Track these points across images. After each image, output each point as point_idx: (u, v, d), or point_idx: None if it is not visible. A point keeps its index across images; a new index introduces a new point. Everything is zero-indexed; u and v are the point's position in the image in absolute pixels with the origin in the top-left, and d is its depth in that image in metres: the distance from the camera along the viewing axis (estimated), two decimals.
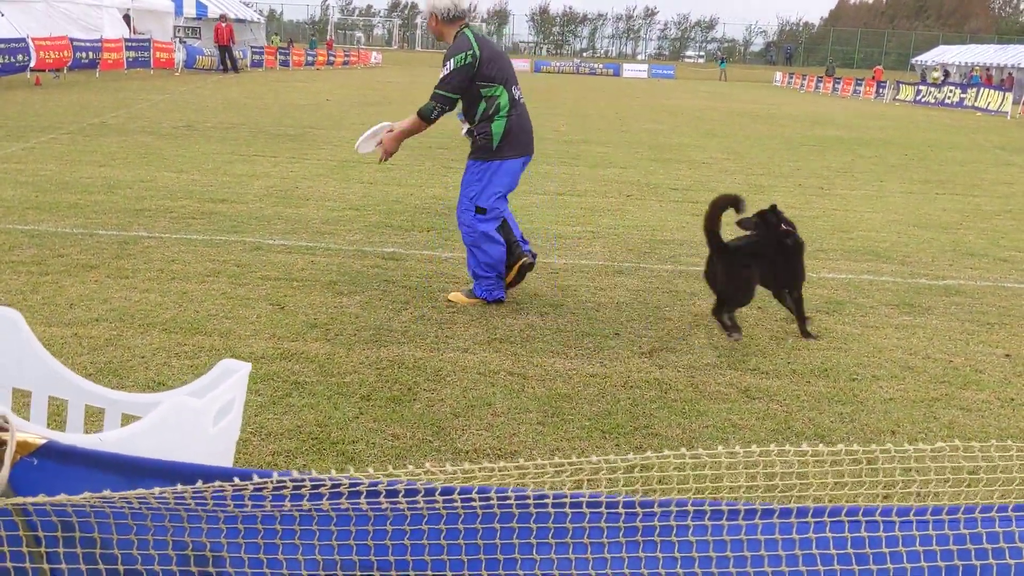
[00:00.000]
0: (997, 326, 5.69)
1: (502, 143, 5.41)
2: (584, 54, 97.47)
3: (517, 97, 5.47)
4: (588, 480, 1.46)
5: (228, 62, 33.83)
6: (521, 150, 5.55)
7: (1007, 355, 5.12)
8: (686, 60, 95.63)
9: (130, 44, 29.24)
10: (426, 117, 5.40)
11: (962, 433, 3.98)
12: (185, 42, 35.15)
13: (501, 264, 5.55)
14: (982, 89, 35.96)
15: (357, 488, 1.22)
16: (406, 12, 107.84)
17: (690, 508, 1.23)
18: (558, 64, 72.18)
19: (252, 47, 40.74)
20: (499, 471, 1.21)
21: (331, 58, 52.82)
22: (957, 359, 5.02)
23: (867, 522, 1.24)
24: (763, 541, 1.23)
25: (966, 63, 57.19)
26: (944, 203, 10.78)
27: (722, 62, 72.31)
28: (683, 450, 1.30)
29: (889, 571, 1.22)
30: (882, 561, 1.21)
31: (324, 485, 1.23)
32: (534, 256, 5.89)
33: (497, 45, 5.58)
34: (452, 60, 5.24)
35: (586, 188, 10.71)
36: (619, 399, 4.22)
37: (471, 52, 5.23)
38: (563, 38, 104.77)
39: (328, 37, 79.61)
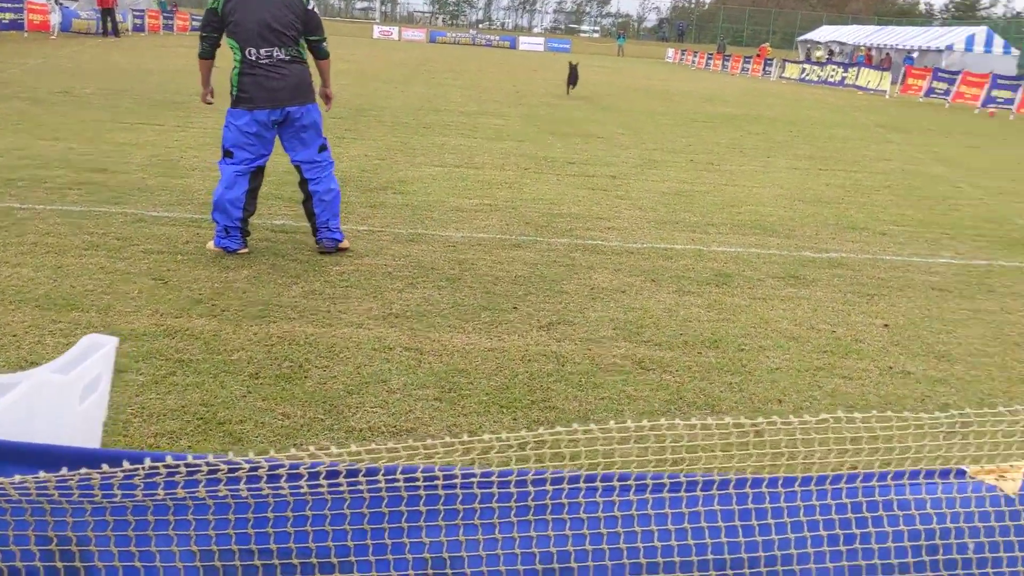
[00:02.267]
0: (876, 297, 5.93)
1: (238, 93, 5.65)
2: (480, 26, 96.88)
3: (254, 58, 5.57)
4: (479, 458, 1.42)
5: (109, 25, 32.27)
6: (260, 103, 5.61)
7: (885, 325, 5.34)
8: (582, 34, 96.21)
9: (1, 5, 27.55)
10: (199, 54, 5.83)
11: (844, 401, 4.13)
12: (61, 3, 33.32)
13: (226, 212, 5.69)
14: (862, 68, 37.39)
15: (235, 473, 1.16)
16: None
17: (582, 485, 1.21)
18: (454, 35, 71.60)
19: (133, 10, 38.95)
20: (387, 452, 1.16)
21: None
22: (839, 329, 5.20)
23: (754, 493, 1.25)
24: (652, 516, 1.22)
25: (848, 43, 59.33)
26: (827, 179, 11.17)
27: (620, 37, 73.04)
28: (575, 425, 1.28)
29: (774, 541, 1.23)
30: (767, 532, 1.22)
31: (200, 470, 1.16)
32: (333, 244, 5.98)
33: (264, 5, 5.55)
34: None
35: (484, 161, 10.66)
36: (517, 373, 4.22)
37: (215, 3, 5.59)
38: (459, 8, 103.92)
39: None
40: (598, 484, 1.23)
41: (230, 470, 1.15)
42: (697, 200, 9.08)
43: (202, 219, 6.71)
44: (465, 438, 1.36)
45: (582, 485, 1.22)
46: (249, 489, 1.16)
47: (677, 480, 1.25)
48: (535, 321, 5.00)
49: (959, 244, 7.77)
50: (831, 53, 56.95)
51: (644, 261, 6.51)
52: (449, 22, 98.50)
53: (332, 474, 1.15)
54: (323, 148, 5.95)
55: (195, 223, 6.59)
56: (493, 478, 1.19)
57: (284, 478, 1.15)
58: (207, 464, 1.15)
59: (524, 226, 7.37)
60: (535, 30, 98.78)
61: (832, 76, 38.64)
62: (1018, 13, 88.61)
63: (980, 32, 51.23)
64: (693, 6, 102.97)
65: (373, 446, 1.17)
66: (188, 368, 4.01)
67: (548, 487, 1.21)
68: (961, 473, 1.30)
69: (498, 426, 3.62)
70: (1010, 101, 25.78)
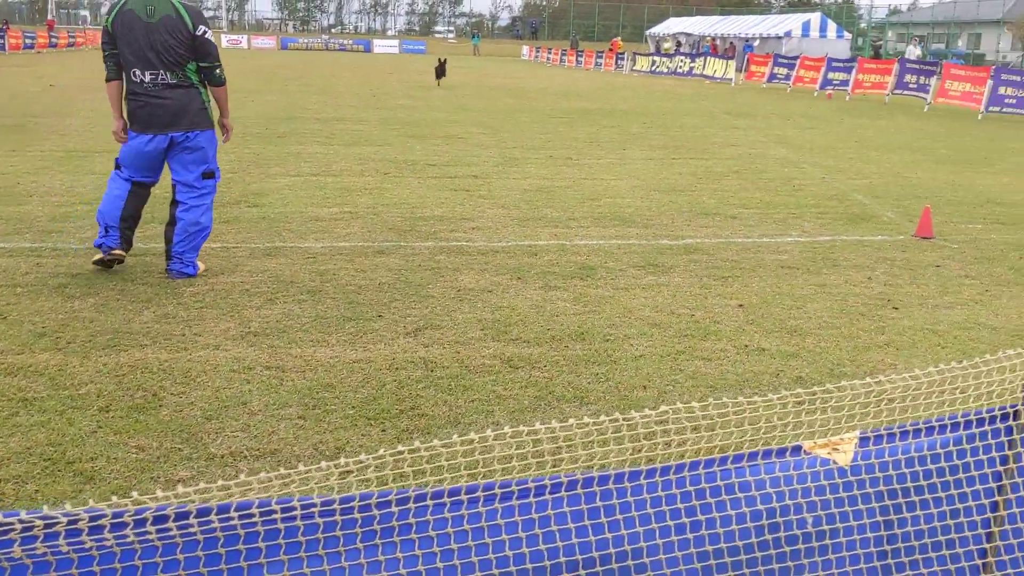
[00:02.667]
0: (730, 279, 6.15)
1: (127, 115, 5.64)
2: (332, 30, 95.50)
3: (138, 80, 5.51)
4: (356, 477, 1.38)
5: None
6: (139, 127, 5.58)
7: (740, 305, 5.54)
8: (436, 35, 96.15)
9: None
10: (105, 77, 5.68)
11: (704, 382, 4.26)
12: None
13: (106, 212, 5.66)
14: (709, 58, 38.81)
15: (53, 528, 1.07)
16: None
17: (429, 502, 1.19)
18: (307, 41, 70.28)
19: None
20: (218, 491, 1.11)
21: (53, 40, 48.41)
22: (698, 313, 5.37)
23: (601, 491, 1.26)
24: (503, 525, 1.21)
25: (694, 34, 61.49)
26: (680, 167, 11.53)
27: (475, 37, 73.34)
28: (454, 436, 1.25)
29: (624, 537, 1.24)
30: (616, 528, 1.23)
31: (13, 529, 1.07)
32: (181, 277, 5.72)
33: (146, 18, 5.44)
34: None
35: (342, 168, 10.49)
36: (384, 383, 4.16)
37: (106, 21, 5.59)
38: (309, 14, 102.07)
39: (48, 17, 72.86)
40: (445, 500, 1.21)
41: (47, 526, 1.07)
42: (558, 195, 9.20)
43: (43, 247, 6.33)
44: (321, 464, 1.32)
45: (429, 503, 1.19)
46: (70, 544, 1.08)
47: (525, 486, 1.25)
48: (401, 328, 4.95)
49: (804, 223, 8.15)
50: (679, 44, 58.88)
51: (509, 259, 6.54)
52: (300, 28, 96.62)
53: (160, 519, 1.08)
54: (208, 175, 5.75)
55: (35, 252, 6.21)
56: (335, 505, 1.15)
57: (107, 528, 1.08)
58: (20, 522, 1.06)
59: (387, 232, 7.29)
60: (389, 32, 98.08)
61: (681, 67, 39.95)
62: None
63: (815, 18, 54.04)
64: (545, 4, 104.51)
65: (203, 485, 1.11)
66: (32, 407, 3.77)
67: (394, 508, 1.18)
68: (797, 450, 1.35)
69: (366, 439, 3.56)
70: (845, 83, 27.28)
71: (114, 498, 1.12)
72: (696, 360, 4.56)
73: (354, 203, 8.39)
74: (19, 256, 6.11)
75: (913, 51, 41.43)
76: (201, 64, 5.60)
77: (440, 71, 27.53)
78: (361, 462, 1.37)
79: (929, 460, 1.45)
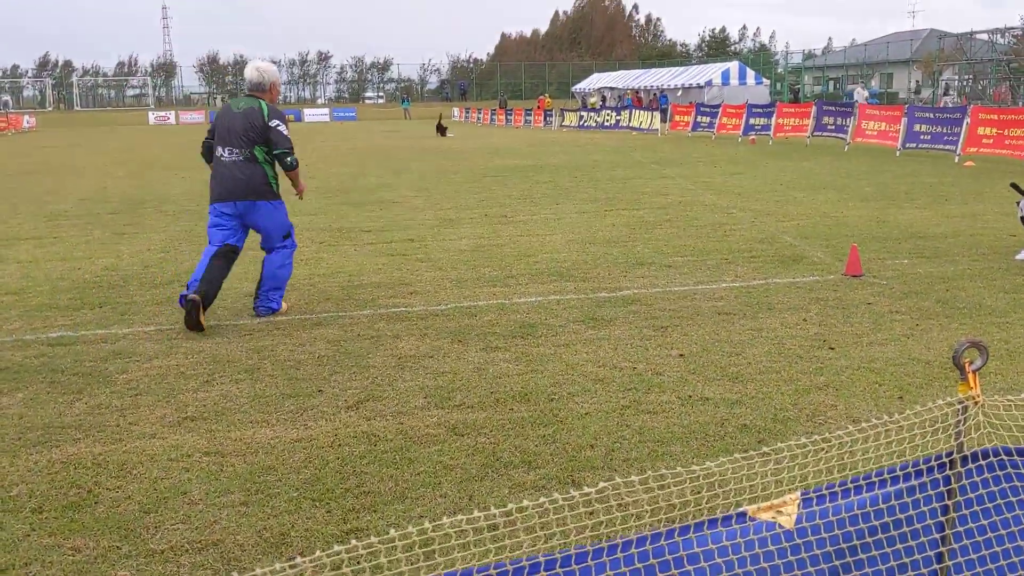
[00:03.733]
0: (670, 328, 6.21)
1: (210, 188, 6.84)
2: None
3: (218, 154, 6.75)
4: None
5: None
6: (213, 196, 6.76)
7: (681, 355, 5.59)
8: (367, 101, 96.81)
9: None
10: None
11: (651, 436, 4.26)
12: None
13: (193, 276, 6.58)
14: (634, 110, 39.70)
15: None
16: (57, 70, 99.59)
17: None
18: None
19: None
20: None
21: None
22: (640, 365, 5.39)
23: (565, 572, 1.23)
24: None
25: (619, 87, 62.96)
26: (613, 219, 11.69)
27: (404, 101, 74.12)
28: (403, 530, 1.21)
29: None
30: None
31: None
32: (267, 313, 6.85)
33: (236, 110, 6.75)
34: None
35: None
36: (327, 461, 4.07)
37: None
38: (237, 87, 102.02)
39: None
40: None
41: None
42: (495, 254, 9.24)
43: None
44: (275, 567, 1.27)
45: None
46: None
47: (487, 573, 1.22)
48: (343, 401, 4.87)
49: (737, 267, 8.30)
50: (604, 99, 60.19)
51: (449, 322, 6.52)
52: (227, 100, 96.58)
53: None
54: (287, 236, 6.92)
55: None
56: None
57: None
58: None
59: (324, 302, 7.22)
60: (319, 101, 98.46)
61: (608, 120, 40.77)
62: (763, 45, 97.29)
63: (734, 66, 55.85)
64: (471, 65, 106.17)
65: None
66: None
67: None
68: (742, 516, 1.34)
69: (312, 523, 3.46)
70: (767, 127, 28.09)
71: None
72: (642, 414, 4.56)
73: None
74: None
75: (861, 93, 43.07)
76: (274, 151, 6.68)
77: (440, 129, 30.72)
78: (316, 559, 1.33)
79: (873, 516, 1.46)
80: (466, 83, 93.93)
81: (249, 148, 6.64)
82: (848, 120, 24.35)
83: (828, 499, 1.42)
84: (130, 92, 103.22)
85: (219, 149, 6.74)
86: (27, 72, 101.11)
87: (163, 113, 70.56)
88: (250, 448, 4.22)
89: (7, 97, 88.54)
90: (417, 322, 6.53)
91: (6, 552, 3.29)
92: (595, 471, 3.87)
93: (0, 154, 29.64)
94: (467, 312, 6.80)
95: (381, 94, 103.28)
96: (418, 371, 5.38)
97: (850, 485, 1.47)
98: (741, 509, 1.33)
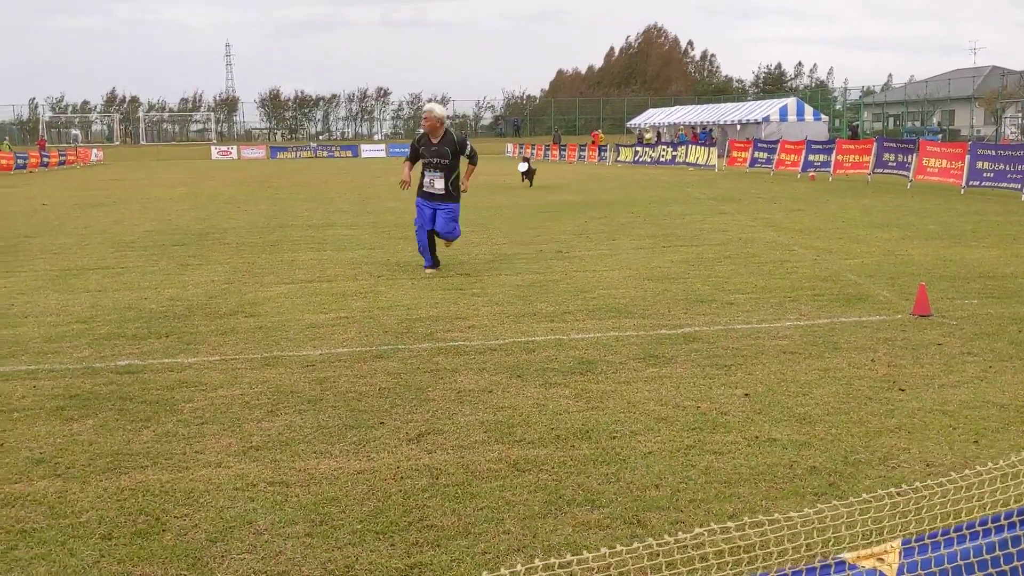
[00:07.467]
0: (733, 367, 6.11)
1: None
2: (320, 137, 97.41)
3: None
4: None
5: None
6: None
7: (746, 395, 5.49)
8: None
9: None
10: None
11: (718, 477, 4.18)
12: None
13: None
14: (691, 146, 39.61)
15: None
16: (124, 106, 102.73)
17: None
18: (295, 149, 71.55)
19: None
20: None
21: (45, 159, 49.19)
22: (704, 404, 5.31)
23: None
24: None
25: (674, 123, 62.89)
26: (671, 255, 11.61)
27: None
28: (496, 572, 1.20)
29: None
30: None
31: None
32: (449, 237, 10.76)
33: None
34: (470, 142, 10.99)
35: (335, 273, 10.53)
36: (390, 493, 4.07)
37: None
38: (297, 122, 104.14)
39: (40, 136, 74.22)
40: None
41: None
42: (551, 289, 9.22)
43: (39, 369, 6.27)
44: None
45: None
46: None
47: None
48: (404, 434, 4.87)
49: (801, 306, 8.17)
50: (659, 134, 60.16)
51: (507, 357, 6.50)
52: (288, 136, 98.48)
53: None
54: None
55: (31, 375, 6.15)
56: None
57: None
58: None
59: (383, 335, 7.26)
60: (376, 137, 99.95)
61: (663, 156, 40.73)
62: (822, 82, 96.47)
63: (791, 103, 55.51)
64: (525, 101, 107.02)
65: None
66: (31, 539, 3.66)
67: None
68: (841, 565, 1.29)
69: (375, 556, 3.45)
70: (827, 164, 27.79)
71: None
72: (707, 455, 4.48)
73: (349, 308, 8.39)
74: (15, 380, 6.04)
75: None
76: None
77: (528, 174, 27.11)
78: None
79: (976, 567, 1.40)
80: (519, 120, 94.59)
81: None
82: (910, 157, 23.98)
83: (931, 548, 1.37)
84: (193, 127, 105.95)
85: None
86: (96, 107, 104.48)
87: (225, 147, 72.30)
88: (313, 479, 4.24)
89: (76, 131, 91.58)
90: (475, 356, 6.53)
91: None
92: (661, 511, 3.81)
93: (70, 187, 30.62)
94: (525, 347, 6.78)
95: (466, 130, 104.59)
96: (477, 405, 5.36)
97: (952, 534, 1.42)
98: (840, 557, 1.28)
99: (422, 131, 10.60)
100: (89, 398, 5.59)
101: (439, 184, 10.28)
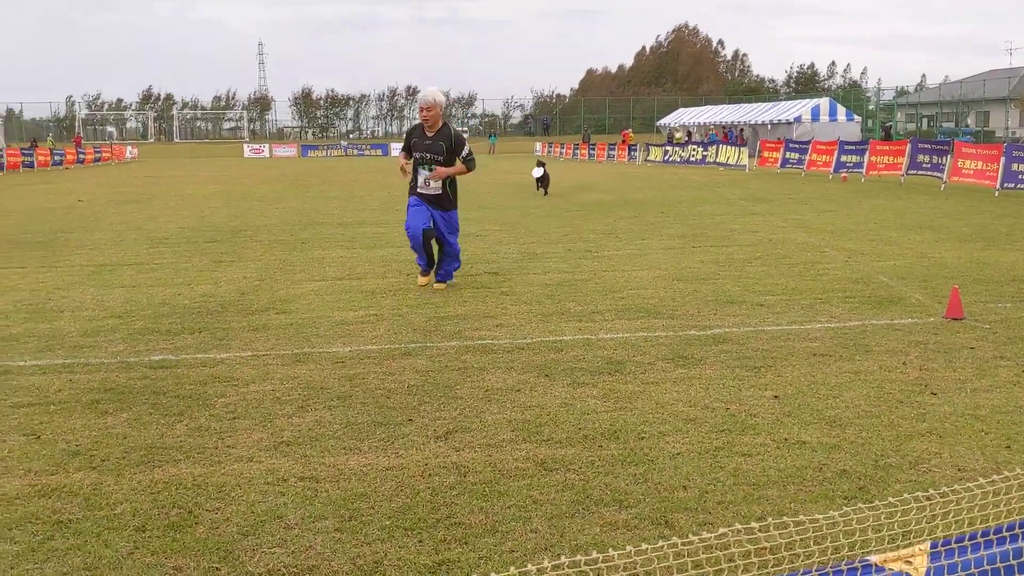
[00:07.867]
0: (763, 369, 6.08)
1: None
2: (351, 136, 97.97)
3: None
4: None
5: None
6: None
7: (776, 397, 5.47)
8: None
9: None
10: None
11: (746, 479, 4.17)
12: None
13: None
14: (721, 146, 39.38)
15: None
16: (159, 103, 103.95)
17: None
18: (326, 147, 72.05)
19: None
20: None
21: (81, 156, 49.91)
22: (733, 406, 5.30)
23: None
24: None
25: (704, 123, 62.52)
26: (701, 255, 11.56)
27: (492, 136, 75.19)
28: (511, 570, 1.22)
29: None
30: None
31: None
32: (444, 280, 9.55)
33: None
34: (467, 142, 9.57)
35: (365, 270, 10.61)
36: (418, 490, 4.10)
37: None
38: (328, 121, 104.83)
39: (76, 134, 75.33)
40: None
41: None
42: (579, 288, 9.23)
43: (75, 363, 6.38)
44: None
45: None
46: None
47: None
48: (432, 432, 4.91)
49: (832, 308, 8.11)
50: (689, 134, 59.85)
51: (535, 356, 6.52)
52: (319, 135, 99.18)
53: None
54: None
55: (68, 368, 6.26)
56: None
57: None
58: None
59: (412, 333, 7.30)
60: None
61: (694, 155, 40.53)
62: (854, 82, 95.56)
63: (824, 103, 55.00)
64: (554, 100, 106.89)
65: None
66: (67, 530, 3.73)
67: None
68: (868, 567, 1.30)
69: (404, 552, 3.49)
70: (859, 165, 27.51)
71: None
72: (736, 456, 4.47)
73: (379, 305, 8.45)
74: (51, 373, 6.15)
75: None
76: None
77: (544, 181, 22.68)
78: None
79: (1003, 572, 1.40)
80: (549, 118, 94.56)
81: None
82: (945, 158, 23.68)
83: (958, 552, 1.37)
84: (226, 125, 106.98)
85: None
86: (131, 105, 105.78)
87: (257, 146, 72.95)
88: (343, 474, 4.28)
89: (112, 129, 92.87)
90: (503, 355, 6.55)
91: (111, 569, 3.40)
92: (689, 513, 3.81)
93: (105, 183, 31.04)
94: (552, 347, 6.79)
95: (465, 129, 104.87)
96: (505, 404, 5.39)
97: (980, 539, 1.42)
98: (867, 559, 1.29)
99: (418, 120, 9.29)
100: (124, 392, 5.68)
101: (435, 184, 9.14)
